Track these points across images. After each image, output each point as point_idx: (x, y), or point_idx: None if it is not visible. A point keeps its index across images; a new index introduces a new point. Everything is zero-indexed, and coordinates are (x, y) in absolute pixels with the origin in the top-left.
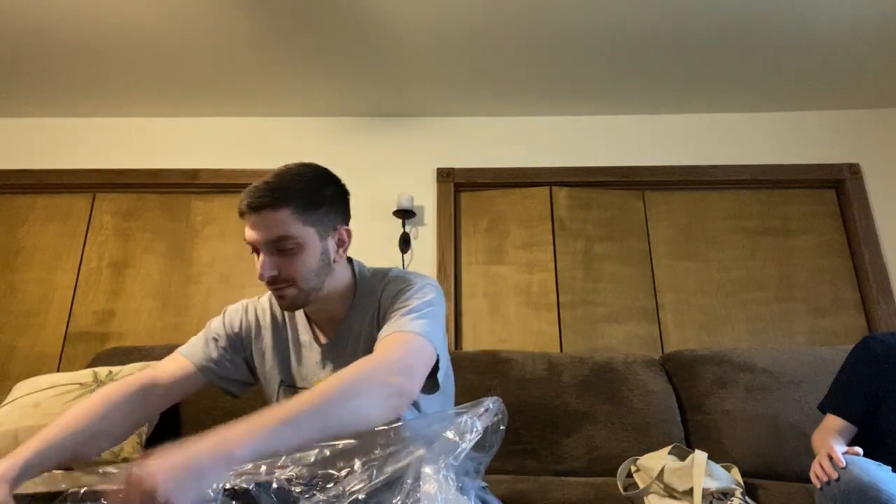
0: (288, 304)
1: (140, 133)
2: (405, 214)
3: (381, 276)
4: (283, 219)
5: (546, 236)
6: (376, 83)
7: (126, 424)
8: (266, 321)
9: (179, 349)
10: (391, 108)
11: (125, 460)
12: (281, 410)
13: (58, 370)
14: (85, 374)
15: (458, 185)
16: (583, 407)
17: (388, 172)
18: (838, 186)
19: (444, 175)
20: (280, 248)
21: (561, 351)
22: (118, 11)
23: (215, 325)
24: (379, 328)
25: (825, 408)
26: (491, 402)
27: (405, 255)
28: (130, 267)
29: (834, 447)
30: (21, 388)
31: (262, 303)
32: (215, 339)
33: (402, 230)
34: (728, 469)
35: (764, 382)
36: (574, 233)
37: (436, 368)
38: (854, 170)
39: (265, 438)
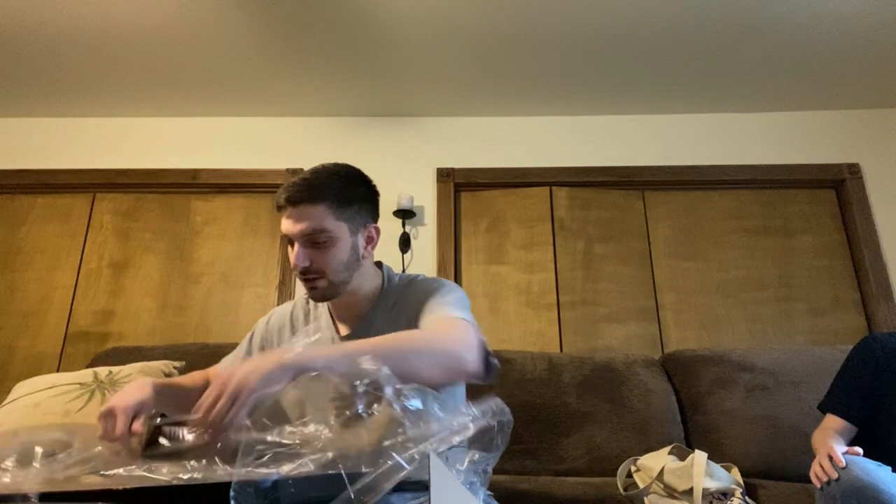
0: (318, 295)
1: (140, 133)
2: (405, 214)
3: (408, 280)
4: (319, 213)
5: (546, 236)
6: (376, 83)
7: None
8: (288, 321)
9: (222, 361)
10: (391, 108)
11: None
12: (356, 345)
13: (58, 370)
14: (85, 374)
15: (458, 185)
16: (583, 407)
17: (388, 172)
18: (838, 186)
19: (444, 175)
20: (314, 240)
21: (561, 351)
22: (118, 12)
23: (243, 345)
24: (403, 327)
25: (825, 408)
26: (493, 404)
27: (405, 255)
28: (130, 267)
29: (834, 447)
30: (21, 388)
31: (287, 305)
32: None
33: (402, 230)
34: (728, 469)
35: (764, 382)
36: (574, 233)
37: (487, 353)
38: (854, 170)
39: (337, 361)
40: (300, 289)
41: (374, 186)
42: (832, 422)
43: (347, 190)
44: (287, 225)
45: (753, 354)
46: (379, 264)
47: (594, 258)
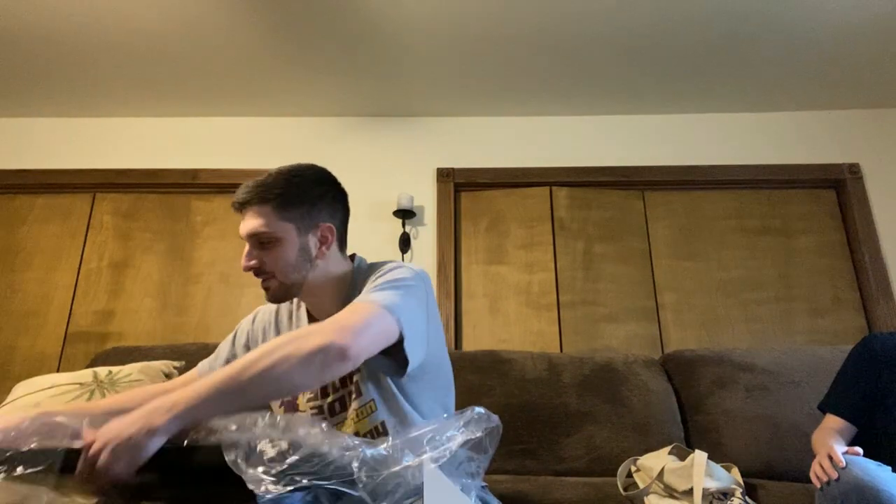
0: (271, 296)
1: (140, 133)
2: (405, 214)
3: (378, 265)
4: (264, 214)
5: (546, 236)
6: (376, 83)
7: None
8: (273, 320)
9: (199, 364)
10: (391, 108)
11: None
12: (203, 381)
13: (58, 370)
14: (85, 374)
15: (458, 185)
16: (583, 407)
17: (388, 172)
18: (838, 186)
19: (444, 175)
20: (260, 240)
21: (561, 351)
22: (119, 12)
23: (223, 347)
24: None
25: (825, 407)
26: (475, 413)
27: (405, 255)
28: (130, 267)
29: (834, 447)
30: (21, 388)
31: (273, 304)
32: (227, 361)
33: (402, 230)
34: (728, 469)
35: (764, 382)
36: (574, 233)
37: (401, 343)
38: (854, 170)
39: (187, 411)
40: None
41: (336, 186)
42: (832, 422)
43: (297, 191)
44: (241, 227)
45: (753, 354)
46: (352, 257)
47: (594, 258)
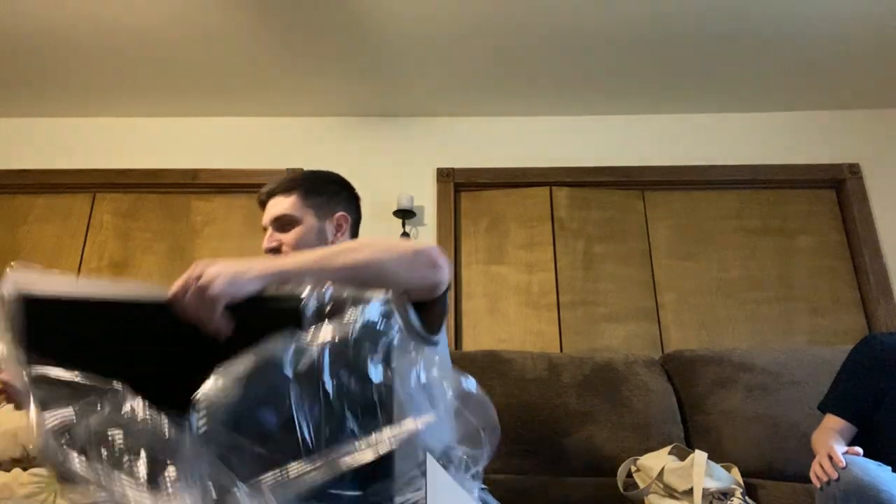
0: None
1: (140, 133)
2: (405, 214)
3: None
4: (288, 202)
5: (546, 236)
6: (376, 83)
7: None
8: None
9: None
10: (391, 108)
11: None
12: (307, 254)
13: None
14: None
15: (458, 185)
16: (583, 407)
17: (388, 172)
18: (838, 186)
19: (444, 175)
20: (281, 223)
21: (561, 351)
22: (119, 12)
23: None
24: None
25: (825, 408)
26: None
27: None
28: (130, 267)
29: (834, 447)
30: None
31: None
32: None
33: (402, 230)
34: (728, 469)
35: (764, 382)
36: (574, 233)
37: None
38: (854, 170)
39: (310, 264)
40: None
41: (351, 189)
42: (832, 422)
43: (318, 184)
44: (264, 217)
45: (753, 354)
46: None
47: (594, 258)
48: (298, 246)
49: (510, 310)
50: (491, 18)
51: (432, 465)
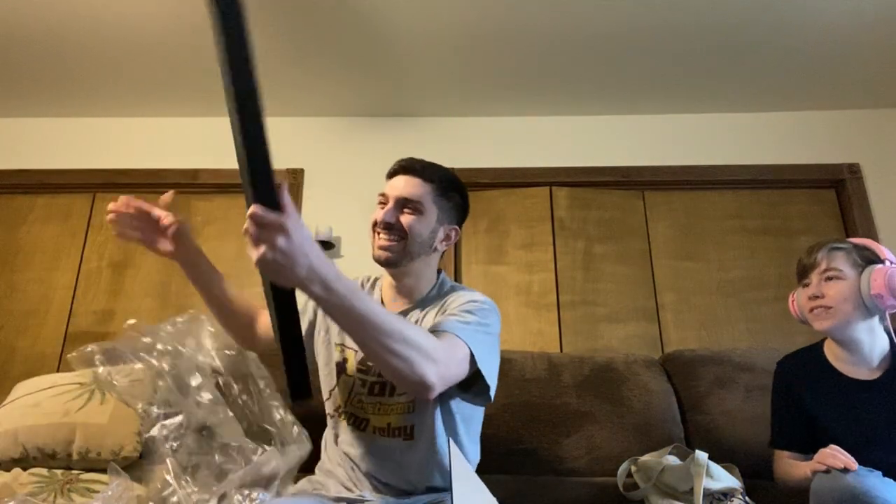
0: (389, 257)
1: (140, 133)
2: None
3: (460, 288)
4: (424, 188)
5: (546, 236)
6: (377, 83)
7: (242, 323)
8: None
9: None
10: (391, 108)
11: (125, 458)
12: (358, 297)
13: (58, 370)
14: (85, 374)
15: None
16: (583, 407)
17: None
18: (838, 186)
19: None
20: (408, 206)
21: (561, 351)
22: (119, 12)
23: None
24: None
25: (778, 445)
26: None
27: None
28: (130, 267)
29: (836, 453)
30: (21, 388)
31: (357, 279)
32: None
33: None
34: (728, 469)
35: (764, 382)
36: (574, 233)
37: (477, 377)
38: (854, 170)
39: (347, 308)
40: None
41: (468, 204)
42: (787, 455)
43: (452, 188)
44: (392, 186)
45: (753, 354)
46: (439, 271)
47: (594, 258)
48: (412, 234)
49: (510, 310)
50: (491, 19)
51: (457, 455)
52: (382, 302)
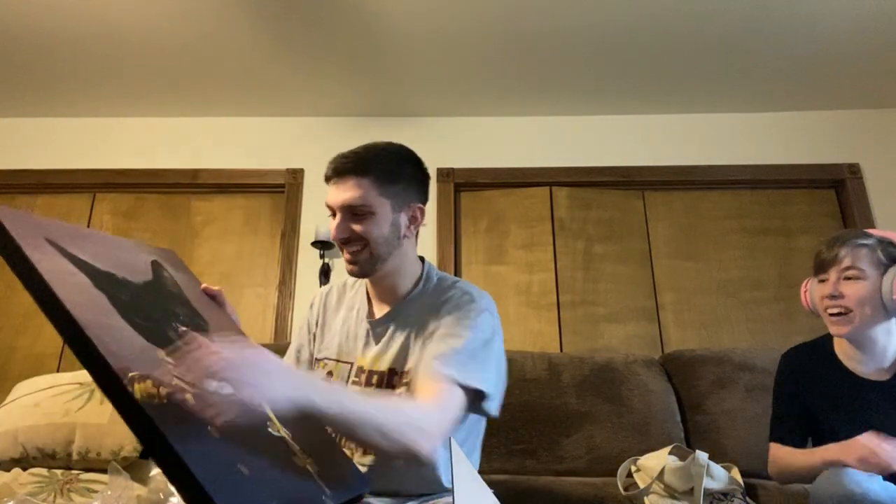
0: (359, 270)
1: (140, 133)
2: None
3: (448, 283)
4: (362, 186)
5: (546, 236)
6: (376, 83)
7: None
8: (321, 303)
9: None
10: (391, 108)
11: (125, 458)
12: (356, 412)
13: (58, 370)
14: (85, 374)
15: (458, 185)
16: (583, 407)
17: None
18: (838, 186)
19: (444, 175)
20: (355, 212)
21: (561, 351)
22: (119, 12)
23: (298, 335)
24: (428, 335)
25: (775, 437)
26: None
27: None
28: None
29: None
30: (21, 388)
31: (324, 289)
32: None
33: None
34: (728, 469)
35: (764, 382)
36: (574, 233)
37: (480, 399)
38: (854, 170)
39: (340, 419)
40: (301, 289)
41: (424, 168)
42: (780, 449)
43: (395, 167)
44: (331, 195)
45: (753, 354)
46: (422, 259)
47: (594, 258)
48: (373, 240)
49: (510, 310)
50: (491, 19)
51: (460, 462)
52: (370, 304)
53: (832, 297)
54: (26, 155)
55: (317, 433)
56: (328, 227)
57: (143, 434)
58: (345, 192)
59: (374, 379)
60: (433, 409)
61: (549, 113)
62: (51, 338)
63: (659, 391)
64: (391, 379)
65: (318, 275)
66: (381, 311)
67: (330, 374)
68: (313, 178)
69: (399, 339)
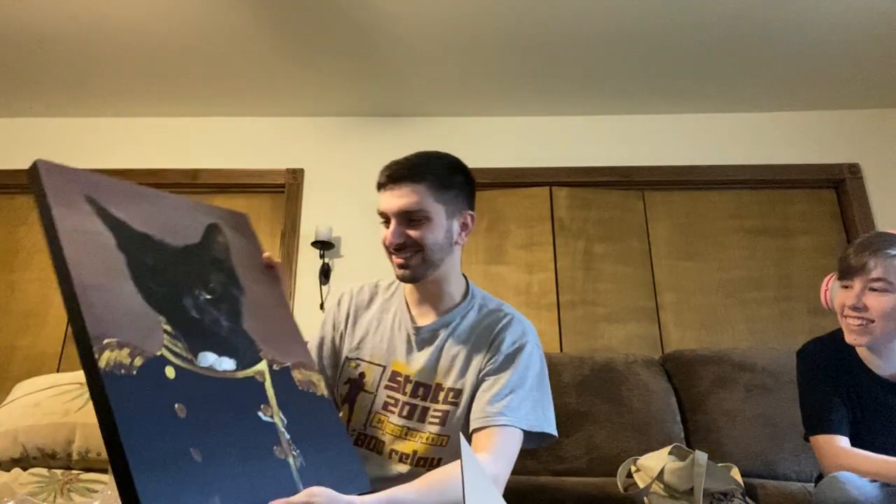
0: (409, 274)
1: (140, 133)
2: None
3: (495, 305)
4: (419, 192)
5: (546, 236)
6: (377, 83)
7: None
8: (352, 306)
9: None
10: (391, 108)
11: None
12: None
13: (58, 370)
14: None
15: None
16: (583, 407)
17: None
18: (838, 186)
19: None
20: (411, 218)
21: (561, 351)
22: (119, 12)
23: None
24: (482, 363)
25: (830, 429)
26: None
27: None
28: None
29: None
30: (21, 388)
31: (354, 287)
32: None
33: None
34: (728, 469)
35: (764, 382)
36: (574, 233)
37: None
38: (854, 170)
39: None
40: (301, 289)
41: (472, 177)
42: (842, 441)
43: (448, 173)
44: (385, 202)
45: (753, 354)
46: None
47: (594, 258)
48: (428, 246)
49: None
50: (491, 20)
51: (469, 459)
52: (410, 315)
53: (855, 308)
54: (26, 155)
55: (323, 425)
56: (326, 227)
57: (96, 403)
58: (400, 199)
59: (420, 391)
60: (498, 462)
61: (549, 113)
62: (51, 338)
63: (659, 391)
64: (437, 393)
65: (318, 275)
66: (423, 317)
67: (363, 374)
68: (313, 178)
69: (448, 352)
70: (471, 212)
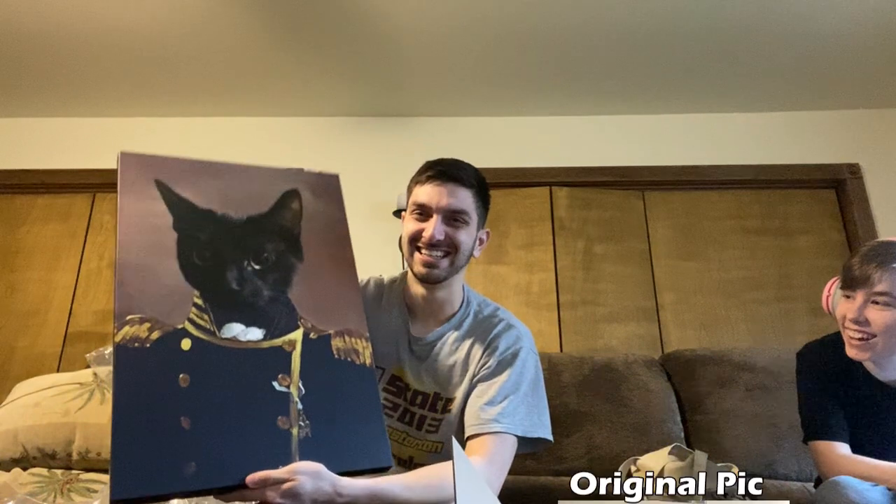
0: (435, 274)
1: (140, 133)
2: None
3: (491, 311)
4: (468, 196)
5: (546, 236)
6: (377, 83)
7: None
8: (372, 289)
9: None
10: (391, 108)
11: None
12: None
13: (58, 370)
14: (85, 374)
15: None
16: (583, 407)
17: (387, 172)
18: (838, 186)
19: None
20: (455, 218)
21: (561, 351)
22: (119, 12)
23: None
24: (477, 370)
25: (828, 435)
26: None
27: None
28: None
29: None
30: (21, 388)
31: (375, 279)
32: None
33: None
34: (728, 469)
35: (764, 382)
36: (574, 233)
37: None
38: (854, 170)
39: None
40: None
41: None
42: (841, 448)
43: (486, 188)
44: (434, 195)
45: (753, 354)
46: None
47: (594, 258)
48: (462, 250)
49: (510, 310)
50: (491, 19)
51: (461, 461)
52: (410, 322)
53: (856, 321)
54: (26, 155)
55: (352, 396)
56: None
57: (112, 376)
58: (452, 197)
59: (419, 399)
60: (491, 465)
61: (549, 113)
62: (51, 338)
63: (659, 391)
64: (435, 403)
65: None
66: (422, 323)
67: None
68: None
69: (444, 362)
70: (487, 230)
